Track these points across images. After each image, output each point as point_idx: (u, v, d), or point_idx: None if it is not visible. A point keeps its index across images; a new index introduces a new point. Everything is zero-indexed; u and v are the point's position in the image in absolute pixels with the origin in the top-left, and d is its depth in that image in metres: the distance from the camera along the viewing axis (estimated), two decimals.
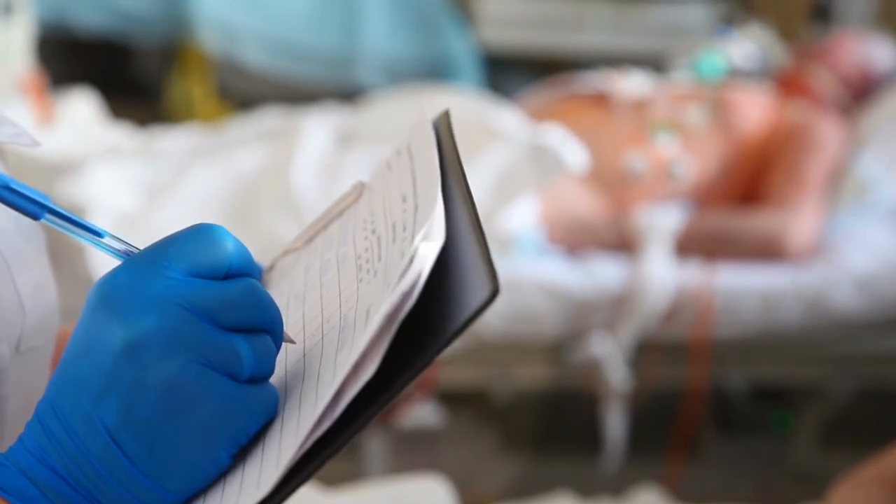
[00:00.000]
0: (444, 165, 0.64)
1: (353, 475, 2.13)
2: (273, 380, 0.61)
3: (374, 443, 2.29)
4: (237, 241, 0.59)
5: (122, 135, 2.60)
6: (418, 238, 0.56)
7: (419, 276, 0.55)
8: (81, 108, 2.63)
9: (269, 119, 2.60)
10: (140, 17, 3.54)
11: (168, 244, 0.58)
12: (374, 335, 0.54)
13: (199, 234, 0.58)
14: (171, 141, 2.54)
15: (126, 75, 3.93)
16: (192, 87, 3.58)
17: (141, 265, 0.57)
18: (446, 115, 0.69)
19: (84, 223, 0.61)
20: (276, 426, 0.58)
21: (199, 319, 0.56)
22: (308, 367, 0.61)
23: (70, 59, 3.69)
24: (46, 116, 2.55)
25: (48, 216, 0.61)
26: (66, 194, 2.10)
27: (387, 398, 0.55)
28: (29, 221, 0.71)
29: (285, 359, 0.64)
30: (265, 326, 0.58)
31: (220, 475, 0.58)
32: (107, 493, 0.57)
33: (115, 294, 0.56)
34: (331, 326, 0.63)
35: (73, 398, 0.56)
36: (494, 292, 0.53)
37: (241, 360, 0.57)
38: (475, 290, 0.54)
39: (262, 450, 0.58)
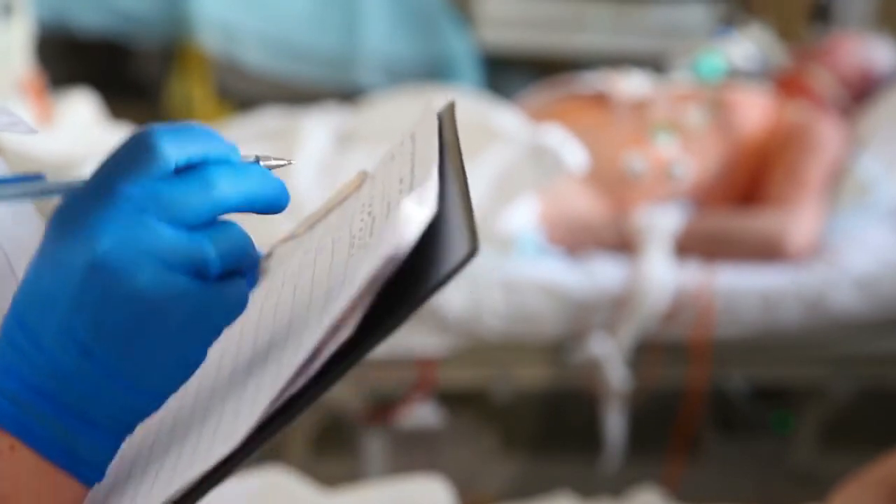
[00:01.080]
0: (444, 152, 0.64)
1: (352, 475, 2.13)
2: (258, 341, 0.62)
3: (374, 443, 2.29)
4: (179, 133, 0.58)
5: (121, 135, 2.60)
6: (407, 202, 0.55)
7: (403, 238, 0.54)
8: (81, 109, 2.63)
9: (268, 119, 2.60)
10: (140, 17, 3.54)
11: (108, 164, 0.57)
12: (355, 297, 0.54)
13: (135, 147, 0.58)
14: None
15: (126, 76, 3.93)
16: (191, 87, 3.58)
17: (90, 189, 0.57)
18: (451, 107, 0.69)
19: (14, 177, 0.59)
20: (254, 380, 0.59)
21: (156, 222, 0.56)
22: (293, 330, 0.61)
23: (70, 59, 3.69)
24: (46, 117, 2.55)
25: None
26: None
27: (360, 354, 0.55)
28: (27, 210, 0.72)
29: (272, 324, 0.64)
30: (228, 213, 0.58)
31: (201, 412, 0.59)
32: (85, 402, 0.57)
33: (69, 216, 0.56)
34: (316, 297, 0.63)
35: (38, 316, 0.56)
36: (473, 250, 0.53)
37: (204, 259, 0.56)
38: (454, 251, 0.54)
39: (239, 401, 0.58)
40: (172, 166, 0.57)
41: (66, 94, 2.72)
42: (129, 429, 0.58)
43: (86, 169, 2.21)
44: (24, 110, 2.44)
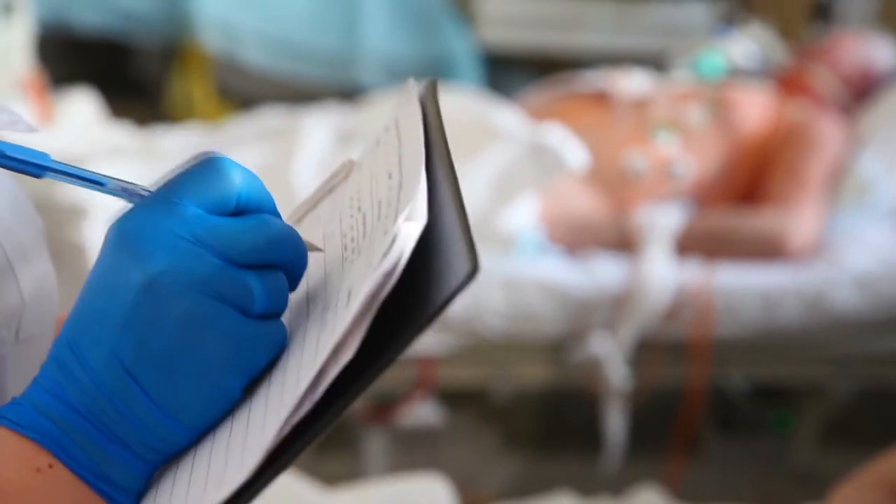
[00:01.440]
0: (429, 142, 0.63)
1: (352, 474, 2.13)
2: None
3: (374, 442, 2.29)
4: (245, 172, 0.60)
5: (122, 134, 2.60)
6: (401, 218, 0.56)
7: (401, 257, 0.55)
8: (82, 108, 2.63)
9: (269, 118, 2.60)
10: (140, 16, 3.55)
11: (176, 181, 0.59)
12: (356, 316, 0.55)
13: (206, 167, 0.59)
14: (172, 140, 2.54)
15: (126, 75, 3.93)
16: (192, 86, 3.58)
17: (152, 204, 0.58)
18: (432, 88, 0.69)
19: (85, 175, 0.62)
20: (262, 399, 0.59)
21: (211, 255, 0.57)
22: (292, 346, 0.61)
23: (70, 58, 3.69)
24: (46, 116, 2.55)
25: (50, 173, 0.62)
26: (65, 195, 2.10)
27: (367, 380, 0.55)
28: (28, 210, 0.72)
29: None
30: (277, 262, 0.59)
31: (211, 436, 0.59)
32: (123, 427, 0.58)
33: (129, 234, 0.58)
34: (314, 306, 0.63)
35: (90, 334, 0.58)
36: (473, 271, 0.53)
37: (251, 295, 0.58)
38: (455, 270, 0.54)
39: (248, 421, 0.58)
40: (235, 201, 0.59)
41: (66, 93, 2.72)
42: (162, 458, 0.59)
43: (86, 167, 2.21)
44: (25, 109, 2.44)
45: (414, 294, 0.56)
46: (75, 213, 2.07)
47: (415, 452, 2.40)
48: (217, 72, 3.61)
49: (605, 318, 2.25)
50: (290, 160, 2.32)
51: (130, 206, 0.60)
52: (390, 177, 0.64)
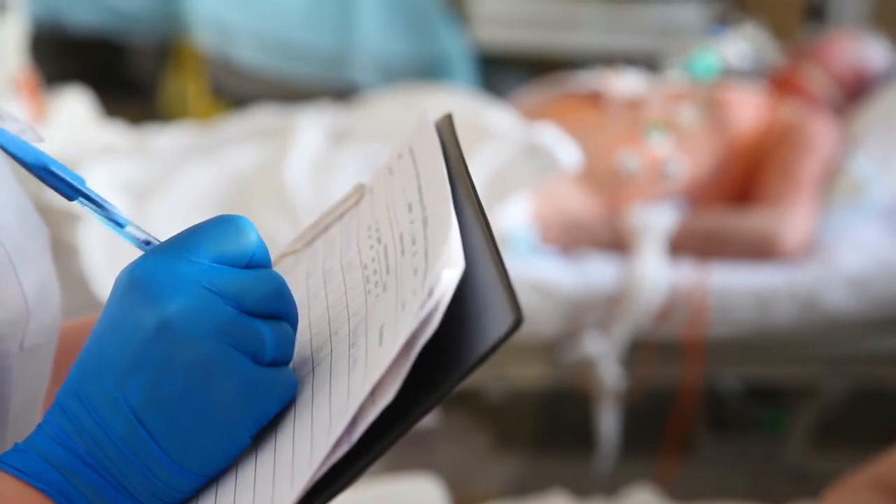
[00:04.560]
0: (452, 176, 0.62)
1: None
2: None
3: None
4: (258, 234, 0.62)
5: (115, 133, 2.60)
6: (438, 264, 0.55)
7: (439, 304, 0.54)
8: (75, 107, 2.63)
9: (263, 117, 2.60)
10: (134, 15, 3.54)
11: (195, 232, 0.60)
12: (393, 360, 0.54)
13: (226, 224, 0.60)
14: (165, 139, 2.54)
15: (120, 73, 3.93)
16: (186, 85, 3.57)
17: (169, 251, 0.59)
18: (449, 119, 0.68)
19: (111, 213, 0.63)
20: (288, 433, 0.58)
21: (226, 302, 0.58)
22: (318, 380, 0.61)
23: (64, 57, 3.68)
24: (40, 115, 2.55)
25: (81, 199, 0.63)
26: (58, 199, 2.09)
27: (405, 428, 0.55)
28: (34, 220, 0.73)
29: (295, 362, 0.64)
30: (284, 314, 0.60)
31: (233, 477, 0.59)
32: (129, 475, 0.58)
33: (144, 278, 0.58)
34: (339, 339, 0.62)
35: (97, 379, 0.58)
36: (518, 321, 0.53)
37: (263, 342, 0.58)
38: (497, 318, 0.53)
39: (274, 461, 0.57)
40: (249, 258, 0.60)
41: (60, 91, 2.71)
42: None
43: (79, 171, 2.21)
44: (18, 108, 2.43)
45: (452, 339, 0.55)
46: (70, 215, 2.07)
47: (408, 452, 2.40)
48: (211, 71, 3.60)
49: (599, 317, 2.25)
50: (284, 159, 2.32)
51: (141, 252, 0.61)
52: (411, 209, 0.63)
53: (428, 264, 0.56)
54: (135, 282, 0.58)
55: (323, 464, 0.54)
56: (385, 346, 0.55)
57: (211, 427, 0.58)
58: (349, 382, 0.57)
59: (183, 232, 0.60)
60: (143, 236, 0.63)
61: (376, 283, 0.63)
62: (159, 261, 0.58)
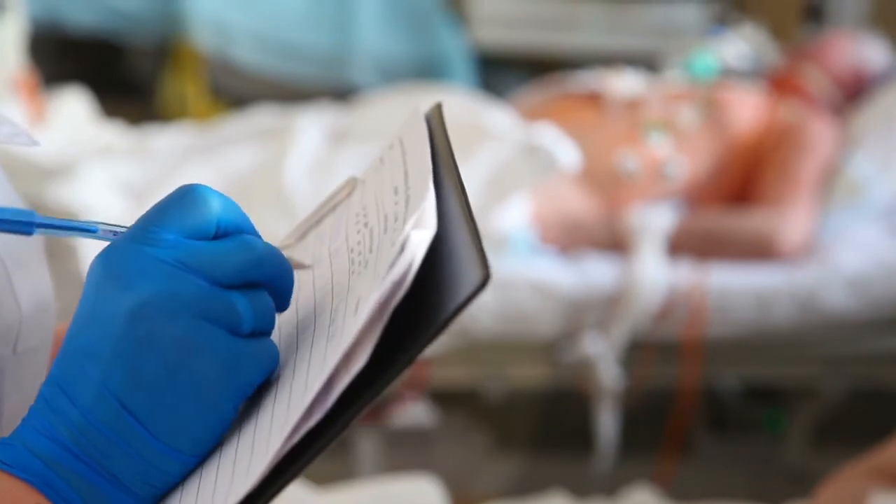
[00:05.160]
0: (436, 157, 0.63)
1: (344, 474, 2.13)
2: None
3: (365, 442, 2.29)
4: (224, 199, 0.61)
5: (114, 133, 2.60)
6: (409, 225, 0.56)
7: (410, 265, 0.55)
8: (74, 107, 2.63)
9: (262, 118, 2.60)
10: (133, 15, 3.54)
11: (157, 211, 0.60)
12: (365, 324, 0.54)
13: (184, 197, 0.60)
14: (164, 140, 2.54)
15: (119, 74, 3.93)
16: (185, 85, 3.57)
17: (133, 236, 0.59)
18: (438, 109, 0.69)
19: (75, 225, 0.63)
20: (268, 408, 0.59)
21: (196, 277, 0.58)
22: (300, 356, 0.61)
23: (62, 57, 3.68)
24: (39, 115, 2.55)
25: (38, 230, 0.62)
26: (57, 199, 2.10)
27: (378, 389, 0.55)
28: None
29: (278, 343, 0.64)
30: (261, 281, 0.60)
31: (216, 456, 0.59)
32: (118, 461, 0.58)
33: (112, 265, 0.58)
34: (322, 319, 0.63)
35: (79, 370, 0.58)
36: (485, 279, 0.53)
37: (239, 315, 0.58)
38: (466, 278, 0.54)
39: (254, 435, 0.58)
40: (215, 226, 0.60)
41: (59, 92, 2.71)
42: (156, 493, 0.59)
43: (77, 172, 2.21)
44: (17, 109, 2.43)
45: (425, 304, 0.55)
46: (67, 215, 2.07)
47: (407, 453, 2.40)
48: (210, 71, 3.60)
49: (598, 318, 2.25)
50: (284, 159, 2.32)
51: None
52: (396, 192, 0.64)
53: (404, 231, 0.56)
54: (104, 270, 0.58)
55: (297, 428, 0.55)
56: (359, 313, 0.55)
57: (195, 403, 0.58)
58: (325, 353, 0.57)
59: (146, 213, 0.60)
60: (117, 230, 0.62)
61: (360, 263, 0.63)
62: (126, 246, 0.58)
